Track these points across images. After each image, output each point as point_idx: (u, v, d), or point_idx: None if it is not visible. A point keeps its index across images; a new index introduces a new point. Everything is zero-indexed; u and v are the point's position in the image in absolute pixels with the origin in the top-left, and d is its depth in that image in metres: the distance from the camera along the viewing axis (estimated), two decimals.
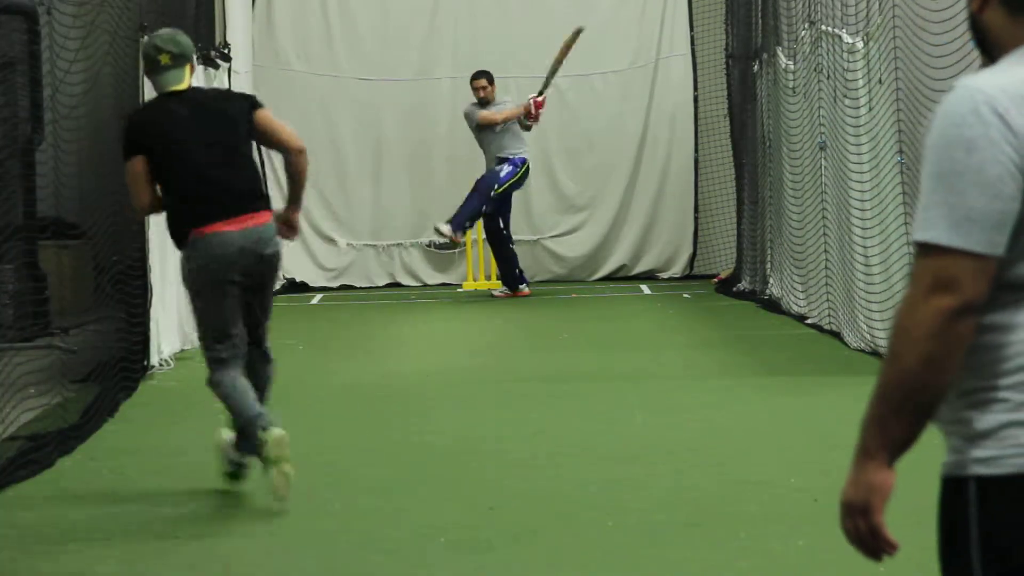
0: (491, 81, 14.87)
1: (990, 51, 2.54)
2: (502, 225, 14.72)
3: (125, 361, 9.60)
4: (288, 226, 6.76)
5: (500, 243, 14.82)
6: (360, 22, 16.45)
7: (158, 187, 6.55)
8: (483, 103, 14.79)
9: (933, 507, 2.51)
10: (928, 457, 3.00)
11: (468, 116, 14.79)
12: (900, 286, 10.10)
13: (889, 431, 2.47)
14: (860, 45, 10.76)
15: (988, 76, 2.45)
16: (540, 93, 14.64)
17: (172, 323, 10.84)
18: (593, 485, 6.74)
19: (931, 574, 5.28)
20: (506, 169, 14.60)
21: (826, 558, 5.39)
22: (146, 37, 7.80)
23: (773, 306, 13.82)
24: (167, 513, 6.42)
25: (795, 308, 13.12)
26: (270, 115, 6.70)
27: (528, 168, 14.79)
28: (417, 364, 10.67)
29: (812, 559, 5.43)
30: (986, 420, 2.41)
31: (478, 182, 14.70)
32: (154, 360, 10.28)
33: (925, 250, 2.41)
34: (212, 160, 6.48)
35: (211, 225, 6.42)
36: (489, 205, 14.59)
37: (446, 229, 14.57)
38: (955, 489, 2.46)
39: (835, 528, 6.15)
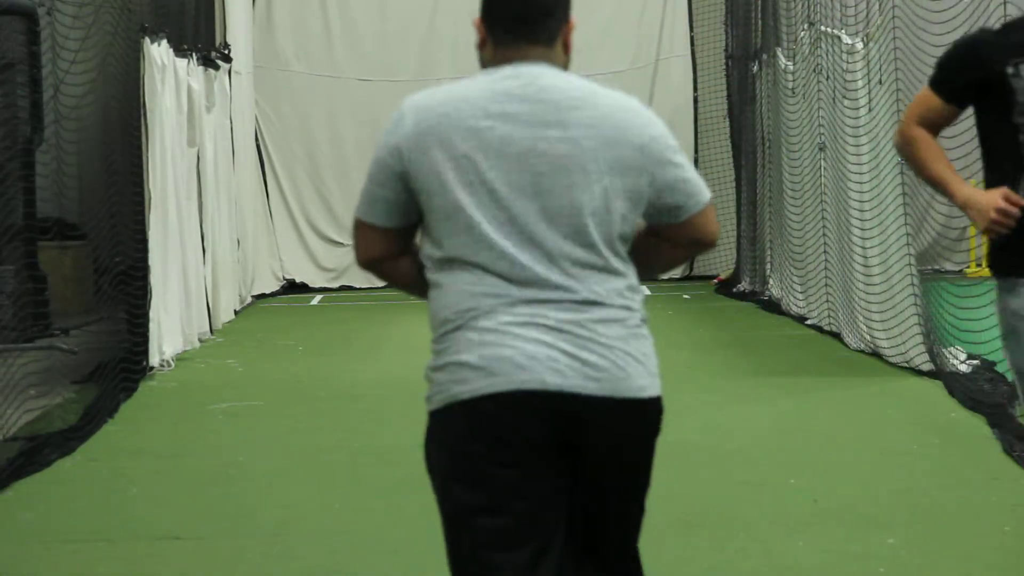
0: None
1: None
2: None
3: (126, 362, 9.61)
4: None
5: None
6: (360, 23, 16.45)
7: None
8: None
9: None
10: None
11: None
12: (900, 286, 10.10)
13: None
14: (860, 46, 10.75)
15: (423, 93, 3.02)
16: None
17: (173, 324, 10.83)
18: None
19: (931, 572, 5.28)
20: None
21: (825, 558, 5.40)
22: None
23: (773, 307, 13.83)
24: (167, 513, 6.42)
25: (795, 309, 13.12)
26: None
27: None
28: (418, 364, 10.65)
29: (812, 559, 5.42)
30: (427, 365, 3.07)
31: None
32: (155, 361, 10.28)
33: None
34: None
35: None
36: None
37: None
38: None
39: (835, 528, 6.17)
